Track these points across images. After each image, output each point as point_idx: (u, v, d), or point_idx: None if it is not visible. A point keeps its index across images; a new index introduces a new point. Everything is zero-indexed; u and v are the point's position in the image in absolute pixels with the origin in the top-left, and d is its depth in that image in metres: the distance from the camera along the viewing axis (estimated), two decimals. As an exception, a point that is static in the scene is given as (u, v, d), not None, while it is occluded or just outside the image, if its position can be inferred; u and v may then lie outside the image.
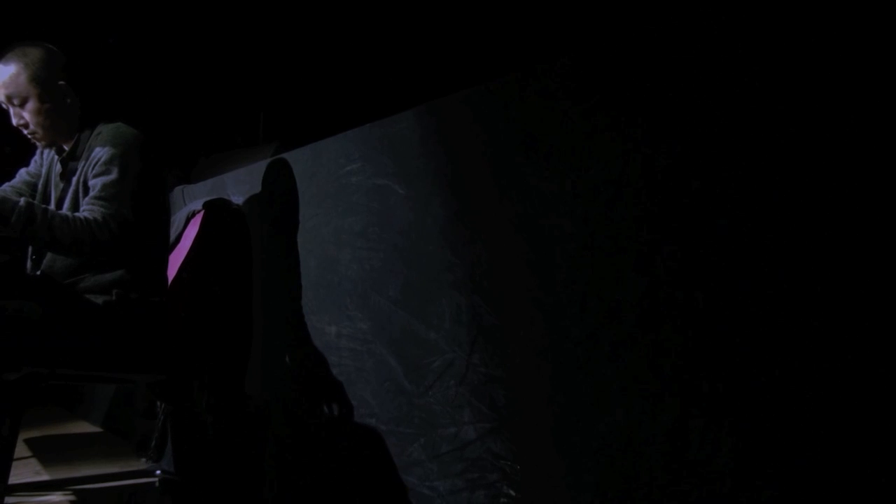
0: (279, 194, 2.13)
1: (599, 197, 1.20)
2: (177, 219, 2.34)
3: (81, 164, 1.84)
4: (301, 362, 1.95)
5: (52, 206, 1.87)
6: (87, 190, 1.79)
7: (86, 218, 1.66)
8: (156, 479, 2.39)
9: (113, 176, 1.73)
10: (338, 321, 1.79)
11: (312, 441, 1.87)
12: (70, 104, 1.86)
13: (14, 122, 1.84)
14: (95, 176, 1.75)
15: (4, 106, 1.83)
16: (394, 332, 1.61)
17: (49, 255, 1.85)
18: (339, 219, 1.82)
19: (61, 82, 1.83)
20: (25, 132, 1.86)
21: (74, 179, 1.84)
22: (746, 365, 0.99)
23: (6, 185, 2.01)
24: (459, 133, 1.50)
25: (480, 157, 1.44)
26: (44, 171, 1.99)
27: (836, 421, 0.90)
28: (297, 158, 2.05)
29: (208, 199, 2.33)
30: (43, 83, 1.80)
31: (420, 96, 1.64)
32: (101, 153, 1.77)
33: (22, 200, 1.61)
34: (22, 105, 1.81)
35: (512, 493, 1.29)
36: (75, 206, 1.81)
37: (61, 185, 1.90)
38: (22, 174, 2.03)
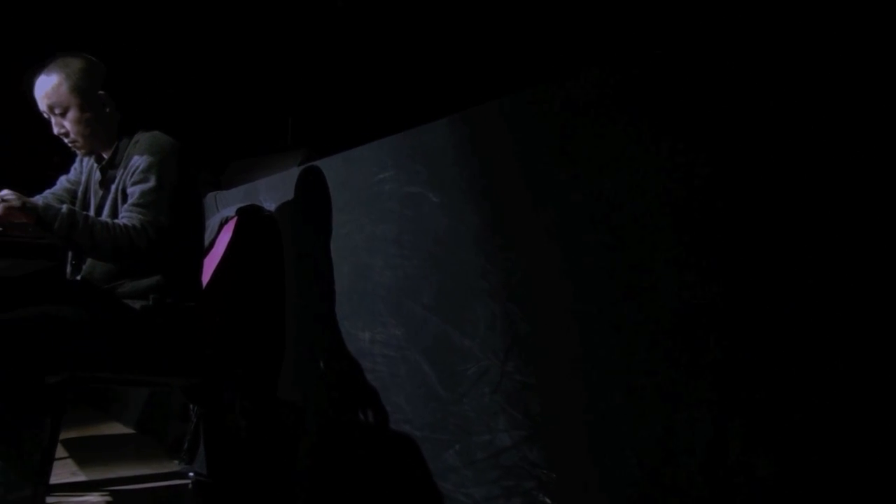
0: (312, 201, 2.15)
1: (635, 206, 1.20)
2: (210, 224, 2.38)
3: (120, 172, 1.88)
4: (334, 367, 1.97)
5: (92, 214, 1.91)
6: (125, 198, 1.82)
7: (125, 224, 1.69)
8: (189, 480, 2.43)
9: (151, 184, 1.76)
10: (371, 327, 1.81)
11: (346, 446, 1.89)
12: (109, 113, 1.90)
13: (55, 130, 1.88)
14: (134, 184, 1.79)
15: (46, 115, 1.88)
16: (428, 339, 1.62)
17: (89, 262, 1.89)
18: (371, 226, 1.84)
19: (101, 92, 1.87)
20: (66, 141, 1.91)
21: (113, 187, 1.88)
22: (787, 374, 0.99)
23: (48, 192, 2.06)
24: (493, 142, 1.52)
25: (514, 165, 1.45)
26: (83, 178, 2.03)
27: (881, 433, 0.90)
28: (330, 166, 2.08)
29: (241, 205, 2.37)
30: (83, 93, 1.84)
31: (453, 105, 1.65)
32: (138, 161, 1.81)
33: (64, 207, 1.65)
34: (63, 114, 1.85)
35: (548, 501, 1.30)
36: (114, 213, 1.85)
37: (100, 193, 1.94)
38: (62, 181, 2.08)
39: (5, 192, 1.60)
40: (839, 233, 0.95)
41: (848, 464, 0.92)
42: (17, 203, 1.58)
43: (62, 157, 2.02)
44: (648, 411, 1.15)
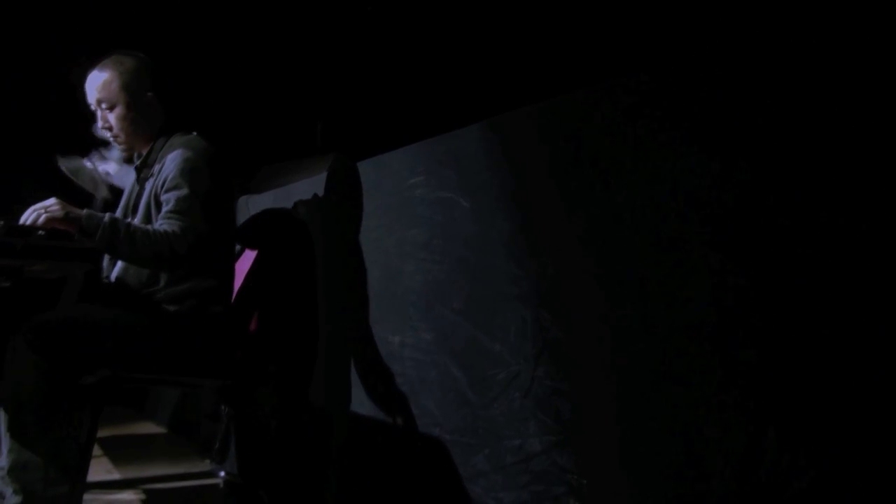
0: (343, 205, 2.17)
1: (670, 214, 1.20)
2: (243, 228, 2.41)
3: (154, 171, 1.91)
4: (364, 371, 1.99)
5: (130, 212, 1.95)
6: (158, 204, 1.85)
7: (165, 231, 1.72)
8: (220, 480, 2.46)
9: (185, 191, 1.79)
10: (401, 331, 1.82)
11: (375, 448, 1.91)
12: (154, 115, 1.96)
13: (100, 124, 1.94)
14: (168, 190, 1.81)
15: (93, 108, 1.93)
16: (458, 344, 1.63)
17: (120, 264, 1.92)
18: (402, 230, 1.86)
19: (149, 93, 1.93)
20: (108, 135, 1.96)
21: (149, 186, 1.91)
22: (822, 382, 0.98)
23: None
24: (525, 148, 1.52)
25: (546, 172, 1.46)
26: (130, 186, 2.07)
27: (919, 445, 0.89)
28: (361, 170, 2.10)
29: (272, 209, 2.40)
30: (133, 93, 1.90)
31: (484, 111, 1.66)
32: (172, 166, 1.83)
33: (106, 217, 1.68)
34: (110, 110, 1.91)
35: (578, 506, 1.30)
36: (147, 216, 1.88)
37: (136, 190, 1.98)
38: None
39: (50, 200, 1.63)
40: (876, 240, 0.94)
41: (886, 473, 0.91)
42: (59, 214, 1.61)
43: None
44: (680, 417, 1.15)
